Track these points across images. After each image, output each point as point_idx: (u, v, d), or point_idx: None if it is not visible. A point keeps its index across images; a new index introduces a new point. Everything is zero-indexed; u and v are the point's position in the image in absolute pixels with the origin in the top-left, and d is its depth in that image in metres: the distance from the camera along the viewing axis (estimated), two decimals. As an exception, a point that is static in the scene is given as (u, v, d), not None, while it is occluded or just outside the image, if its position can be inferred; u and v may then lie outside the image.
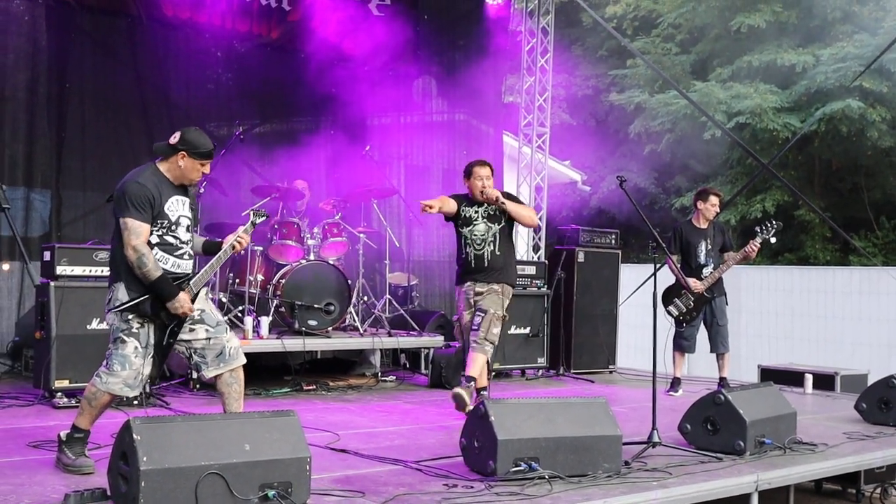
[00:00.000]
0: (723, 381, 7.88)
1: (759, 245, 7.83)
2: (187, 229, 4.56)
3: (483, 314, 6.44)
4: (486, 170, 6.56)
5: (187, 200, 4.58)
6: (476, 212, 6.62)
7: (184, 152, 4.44)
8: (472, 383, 6.33)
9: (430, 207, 6.41)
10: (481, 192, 6.50)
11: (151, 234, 4.39)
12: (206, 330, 4.56)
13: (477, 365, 6.40)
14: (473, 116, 11.32)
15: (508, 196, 6.71)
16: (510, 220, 6.64)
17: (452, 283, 11.02)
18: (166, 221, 4.44)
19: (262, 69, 9.62)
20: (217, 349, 4.58)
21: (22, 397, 6.56)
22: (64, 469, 4.38)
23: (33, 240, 8.25)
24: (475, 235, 6.58)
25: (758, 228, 7.93)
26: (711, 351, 8.10)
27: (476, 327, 6.44)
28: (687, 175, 20.84)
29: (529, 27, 11.15)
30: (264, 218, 4.88)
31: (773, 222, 7.92)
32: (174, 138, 4.47)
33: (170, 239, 4.46)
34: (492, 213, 6.58)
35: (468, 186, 6.63)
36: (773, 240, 7.89)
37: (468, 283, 6.61)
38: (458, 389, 6.25)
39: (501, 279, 6.58)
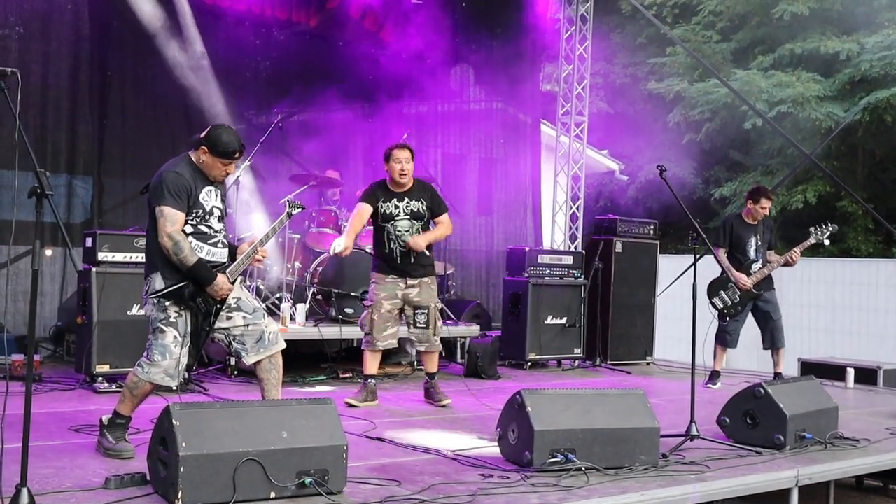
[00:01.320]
0: (778, 377, 7.73)
1: (799, 255, 7.73)
2: (220, 219, 4.59)
3: (426, 311, 6.32)
4: (405, 153, 6.31)
5: (219, 192, 4.61)
6: (397, 206, 6.32)
7: (205, 147, 4.46)
8: (371, 381, 6.42)
9: (346, 249, 6.18)
10: (406, 244, 6.25)
11: (186, 223, 4.42)
12: (244, 317, 4.59)
13: (435, 363, 6.54)
14: (511, 105, 11.28)
15: (433, 199, 6.44)
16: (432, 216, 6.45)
17: (489, 272, 11.12)
18: (201, 211, 4.47)
19: (301, 57, 9.65)
20: (256, 335, 4.61)
21: (64, 381, 6.66)
22: (104, 453, 4.43)
23: (75, 226, 8.36)
24: (399, 231, 6.32)
25: (812, 229, 7.80)
26: (766, 347, 7.97)
27: (423, 325, 6.33)
28: (727, 165, 20.58)
29: (568, 15, 11.06)
30: (300, 210, 4.88)
31: (829, 224, 7.77)
32: (204, 132, 4.50)
33: (203, 228, 4.49)
34: (415, 210, 6.33)
35: (387, 170, 6.34)
36: (826, 242, 7.77)
37: (393, 277, 6.33)
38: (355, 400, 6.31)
39: (430, 273, 6.40)
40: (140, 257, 6.48)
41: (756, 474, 4.64)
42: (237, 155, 4.52)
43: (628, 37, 22.63)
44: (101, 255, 6.52)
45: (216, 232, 4.57)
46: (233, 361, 7.29)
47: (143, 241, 6.39)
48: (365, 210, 6.32)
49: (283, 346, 4.70)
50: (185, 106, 8.94)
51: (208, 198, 4.52)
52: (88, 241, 6.66)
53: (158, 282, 4.41)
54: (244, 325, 4.60)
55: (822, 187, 18.29)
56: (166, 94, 8.89)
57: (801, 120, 17.89)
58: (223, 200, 4.66)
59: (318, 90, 9.50)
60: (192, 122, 8.77)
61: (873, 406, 7.24)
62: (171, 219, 4.35)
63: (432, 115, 10.63)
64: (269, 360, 4.62)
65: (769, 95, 18.20)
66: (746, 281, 7.78)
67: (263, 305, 7.77)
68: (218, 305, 4.50)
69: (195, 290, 4.41)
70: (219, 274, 4.45)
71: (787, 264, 7.86)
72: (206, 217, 4.51)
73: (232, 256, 4.65)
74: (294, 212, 4.83)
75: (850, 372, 8.43)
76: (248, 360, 4.62)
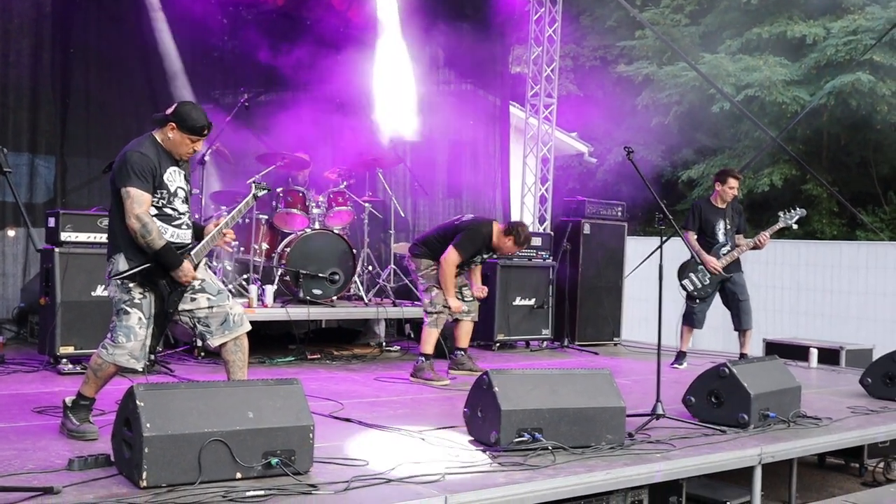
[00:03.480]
0: (743, 358, 7.83)
1: (768, 237, 7.82)
2: (184, 200, 4.54)
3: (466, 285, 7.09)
4: (524, 240, 6.81)
5: (183, 172, 4.55)
6: (481, 257, 6.92)
7: (173, 124, 4.40)
8: None
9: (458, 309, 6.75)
10: (481, 291, 6.97)
11: (151, 204, 4.36)
12: (208, 298, 4.54)
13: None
14: (480, 86, 11.25)
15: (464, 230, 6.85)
16: None
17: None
18: (165, 192, 4.41)
19: (268, 37, 9.52)
20: (221, 317, 4.56)
21: (27, 363, 6.58)
22: (68, 435, 4.39)
23: (38, 206, 8.23)
24: (469, 268, 6.97)
25: (780, 213, 7.91)
26: (735, 328, 8.06)
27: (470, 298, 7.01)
28: (694, 148, 20.73)
29: (538, -4, 11.04)
30: (265, 191, 4.84)
31: (797, 208, 7.88)
32: (169, 109, 4.45)
33: (168, 210, 4.43)
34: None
35: (504, 241, 6.73)
36: (795, 226, 7.88)
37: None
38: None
39: None
40: (104, 237, 6.36)
41: (720, 452, 4.70)
42: (205, 132, 4.47)
43: (598, 19, 22.68)
44: (64, 236, 6.43)
45: (181, 214, 4.51)
46: (199, 343, 7.23)
47: (106, 222, 6.31)
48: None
49: (249, 327, 4.65)
50: (150, 85, 8.81)
51: (173, 178, 4.46)
52: (51, 221, 6.57)
53: (122, 263, 4.35)
54: (208, 307, 4.55)
55: (787, 170, 18.49)
56: (131, 72, 8.75)
57: (767, 103, 18.06)
58: (187, 181, 4.60)
59: (286, 70, 9.40)
60: (157, 101, 8.63)
61: (836, 385, 7.35)
62: (138, 200, 4.28)
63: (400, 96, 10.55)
64: (234, 342, 4.58)
65: (736, 79, 18.34)
66: (716, 264, 7.85)
67: (230, 287, 7.72)
68: (182, 287, 4.45)
69: (159, 272, 4.36)
70: (185, 260, 4.40)
71: (755, 247, 7.95)
72: (171, 199, 4.44)
73: (198, 237, 4.60)
74: (260, 193, 4.79)
75: (814, 352, 8.55)
76: (213, 342, 4.58)
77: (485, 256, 6.93)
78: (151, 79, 8.82)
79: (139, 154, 4.34)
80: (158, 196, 4.38)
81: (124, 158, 4.34)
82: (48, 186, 8.43)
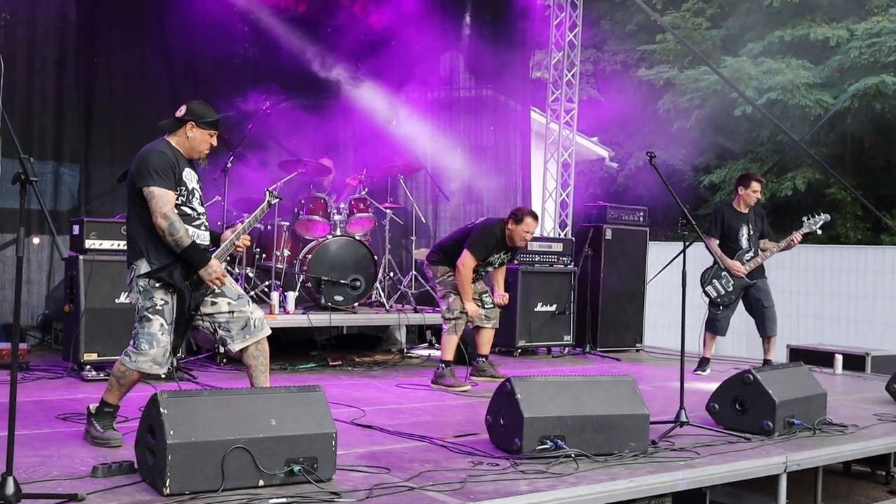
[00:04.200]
0: (767, 364, 7.75)
1: (801, 237, 7.75)
2: (200, 202, 4.57)
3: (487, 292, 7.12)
4: (536, 225, 6.80)
5: (196, 176, 4.59)
6: (497, 257, 6.87)
7: (192, 122, 4.47)
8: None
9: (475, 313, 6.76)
10: (503, 298, 6.96)
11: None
12: (229, 303, 4.55)
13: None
14: (501, 92, 11.24)
15: (475, 231, 6.86)
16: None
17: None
18: (184, 190, 4.43)
19: (289, 43, 9.57)
20: (241, 321, 4.57)
21: (51, 370, 6.63)
22: (92, 441, 4.41)
23: (62, 214, 8.29)
24: (486, 271, 6.95)
25: (804, 218, 7.83)
26: (760, 335, 7.98)
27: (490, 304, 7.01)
28: (716, 152, 20.61)
29: (558, 1, 11.02)
30: (278, 200, 4.89)
31: (821, 213, 7.80)
32: (180, 111, 4.52)
33: (187, 210, 4.45)
34: (503, 261, 7.01)
35: (512, 230, 6.71)
36: (819, 231, 7.79)
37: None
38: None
39: None
40: (127, 245, 6.43)
41: (745, 460, 4.65)
42: (219, 123, 4.58)
43: (618, 24, 22.63)
44: (88, 243, 6.48)
45: (199, 214, 4.53)
46: (221, 349, 7.26)
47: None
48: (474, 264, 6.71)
49: (269, 331, 4.65)
50: (173, 93, 8.86)
51: (189, 178, 4.50)
52: (76, 229, 6.62)
53: (144, 266, 4.36)
54: (229, 312, 4.55)
55: (810, 174, 18.34)
56: (154, 80, 8.80)
57: (790, 107, 17.93)
58: (199, 184, 4.63)
59: (307, 76, 9.45)
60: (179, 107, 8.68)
61: (861, 392, 7.27)
62: (163, 199, 4.30)
63: (422, 102, 10.57)
64: (255, 347, 4.58)
65: (759, 82, 18.23)
66: (741, 267, 7.77)
67: (252, 293, 7.76)
68: (205, 288, 4.46)
69: (184, 272, 4.37)
70: (212, 258, 4.42)
71: (787, 248, 7.86)
72: (189, 198, 4.47)
73: (215, 242, 4.63)
74: (273, 201, 4.83)
75: (839, 358, 8.46)
76: (234, 347, 4.58)
77: (503, 257, 6.89)
78: (175, 87, 8.87)
79: (157, 152, 4.38)
80: (178, 193, 4.41)
81: (142, 159, 4.37)
82: (73, 194, 8.50)
